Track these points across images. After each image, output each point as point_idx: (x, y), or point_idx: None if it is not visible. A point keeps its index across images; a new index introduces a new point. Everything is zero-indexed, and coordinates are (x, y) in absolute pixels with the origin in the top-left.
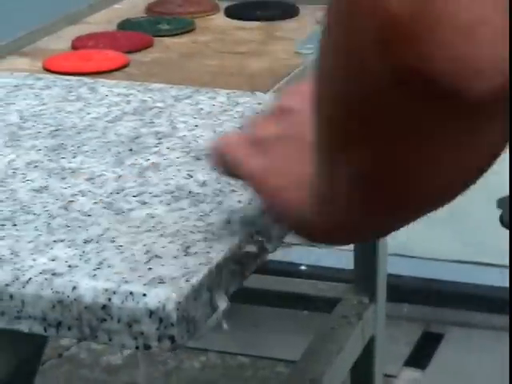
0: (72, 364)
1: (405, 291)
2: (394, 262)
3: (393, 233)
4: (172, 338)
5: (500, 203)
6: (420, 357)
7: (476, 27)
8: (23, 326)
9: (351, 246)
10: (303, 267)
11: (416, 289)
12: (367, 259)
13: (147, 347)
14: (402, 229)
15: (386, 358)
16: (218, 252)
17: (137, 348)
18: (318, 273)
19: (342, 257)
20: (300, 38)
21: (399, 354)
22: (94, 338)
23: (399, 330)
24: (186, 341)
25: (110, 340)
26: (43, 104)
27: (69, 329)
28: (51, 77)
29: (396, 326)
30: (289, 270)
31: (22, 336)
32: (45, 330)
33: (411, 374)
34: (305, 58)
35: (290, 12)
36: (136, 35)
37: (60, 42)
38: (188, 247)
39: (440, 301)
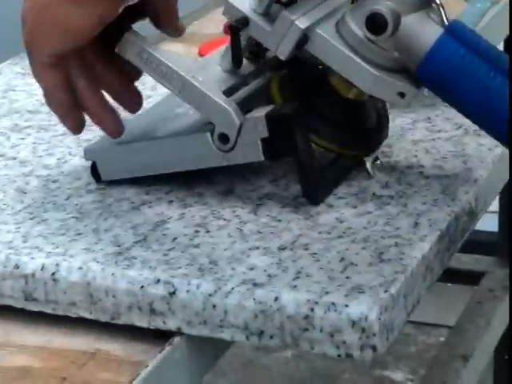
0: None
1: None
2: None
3: None
4: (374, 348)
5: None
6: None
7: None
8: (225, 335)
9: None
10: None
11: None
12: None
13: (349, 356)
14: None
15: None
16: (411, 259)
17: (339, 356)
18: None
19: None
20: None
21: None
22: (296, 346)
23: None
24: (385, 349)
25: (312, 348)
26: None
27: (271, 337)
28: None
29: None
30: None
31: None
32: (247, 339)
33: None
34: None
35: None
36: None
37: (211, 25)
38: (381, 253)
39: None
